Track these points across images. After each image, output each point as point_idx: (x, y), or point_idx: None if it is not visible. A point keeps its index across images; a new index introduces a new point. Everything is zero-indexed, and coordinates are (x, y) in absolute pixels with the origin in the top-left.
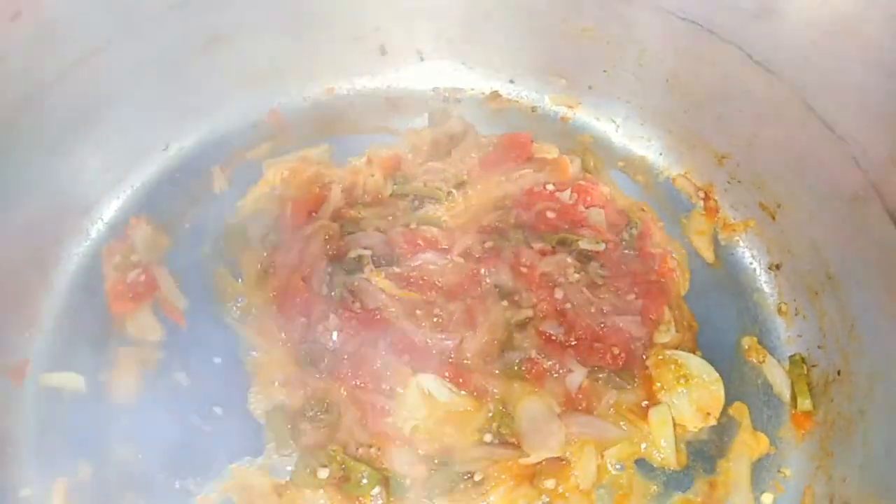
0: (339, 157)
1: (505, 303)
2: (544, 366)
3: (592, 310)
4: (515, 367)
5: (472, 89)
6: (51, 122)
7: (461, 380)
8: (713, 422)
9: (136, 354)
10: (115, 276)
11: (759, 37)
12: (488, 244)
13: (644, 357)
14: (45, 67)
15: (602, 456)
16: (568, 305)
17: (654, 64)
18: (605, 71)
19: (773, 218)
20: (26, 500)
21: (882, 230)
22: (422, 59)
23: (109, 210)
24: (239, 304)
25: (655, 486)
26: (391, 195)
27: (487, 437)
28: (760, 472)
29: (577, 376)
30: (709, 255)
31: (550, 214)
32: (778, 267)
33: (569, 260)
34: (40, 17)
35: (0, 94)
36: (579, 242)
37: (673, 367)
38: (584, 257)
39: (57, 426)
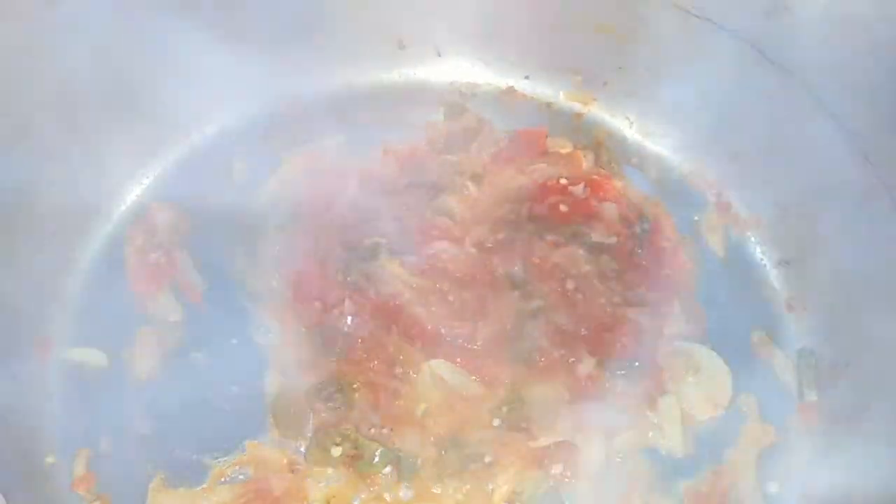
0: (355, 148)
1: (516, 293)
2: (554, 354)
3: (603, 301)
4: (526, 355)
5: (488, 84)
6: (79, 108)
7: (472, 366)
8: (721, 412)
9: (157, 333)
10: (136, 257)
11: (772, 35)
12: (501, 235)
13: (654, 348)
14: (77, 54)
15: (610, 443)
16: (579, 296)
17: (668, 61)
18: (619, 67)
19: (784, 214)
20: (51, 466)
21: (890, 226)
22: (439, 55)
23: (132, 194)
24: (256, 288)
25: (662, 473)
26: (406, 186)
27: (497, 422)
28: (766, 461)
29: (587, 365)
30: (720, 250)
31: (563, 207)
32: (788, 263)
33: (580, 252)
34: (75, 4)
35: (34, 79)
36: (591, 235)
37: (682, 358)
38: (596, 250)
39: (80, 399)
